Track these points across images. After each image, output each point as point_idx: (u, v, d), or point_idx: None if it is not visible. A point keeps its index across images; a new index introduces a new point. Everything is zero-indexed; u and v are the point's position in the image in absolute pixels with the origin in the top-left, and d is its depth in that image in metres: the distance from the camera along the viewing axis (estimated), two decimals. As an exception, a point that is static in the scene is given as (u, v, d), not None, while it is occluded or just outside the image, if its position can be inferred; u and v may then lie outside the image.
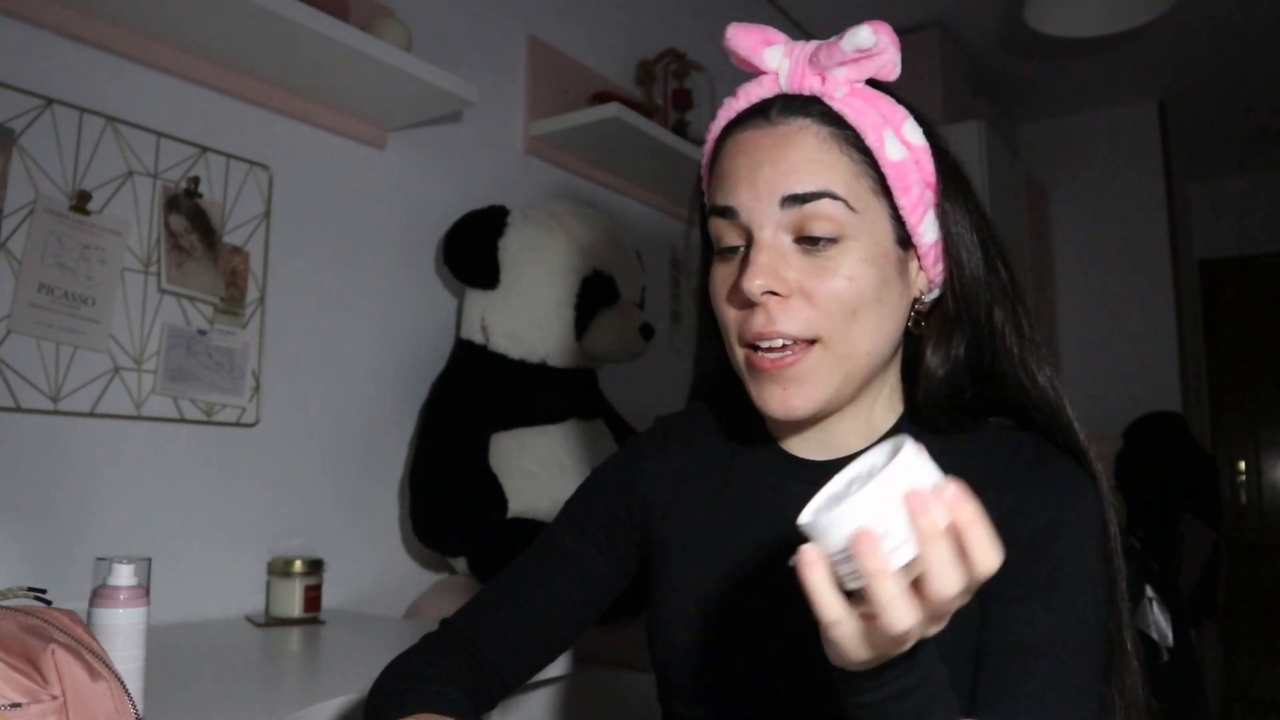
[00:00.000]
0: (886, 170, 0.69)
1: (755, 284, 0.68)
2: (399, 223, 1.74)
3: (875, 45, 0.67)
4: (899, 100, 0.72)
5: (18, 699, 0.63)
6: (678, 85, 2.31)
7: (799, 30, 3.06)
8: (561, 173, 2.09)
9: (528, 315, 1.65)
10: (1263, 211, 4.51)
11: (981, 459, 0.73)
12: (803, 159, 0.68)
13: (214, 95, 1.46)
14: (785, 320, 0.68)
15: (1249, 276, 4.54)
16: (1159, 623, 1.30)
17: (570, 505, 0.87)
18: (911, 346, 0.76)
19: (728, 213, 0.71)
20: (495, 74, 1.94)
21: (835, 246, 0.68)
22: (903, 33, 2.76)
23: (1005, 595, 0.68)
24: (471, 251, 1.65)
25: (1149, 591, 1.31)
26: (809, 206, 0.67)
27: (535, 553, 0.84)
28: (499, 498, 1.57)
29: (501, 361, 1.67)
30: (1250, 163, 4.39)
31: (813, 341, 0.69)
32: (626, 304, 1.72)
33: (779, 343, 0.69)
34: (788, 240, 0.69)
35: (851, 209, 0.68)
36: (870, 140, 0.69)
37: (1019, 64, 3.38)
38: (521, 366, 1.68)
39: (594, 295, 1.68)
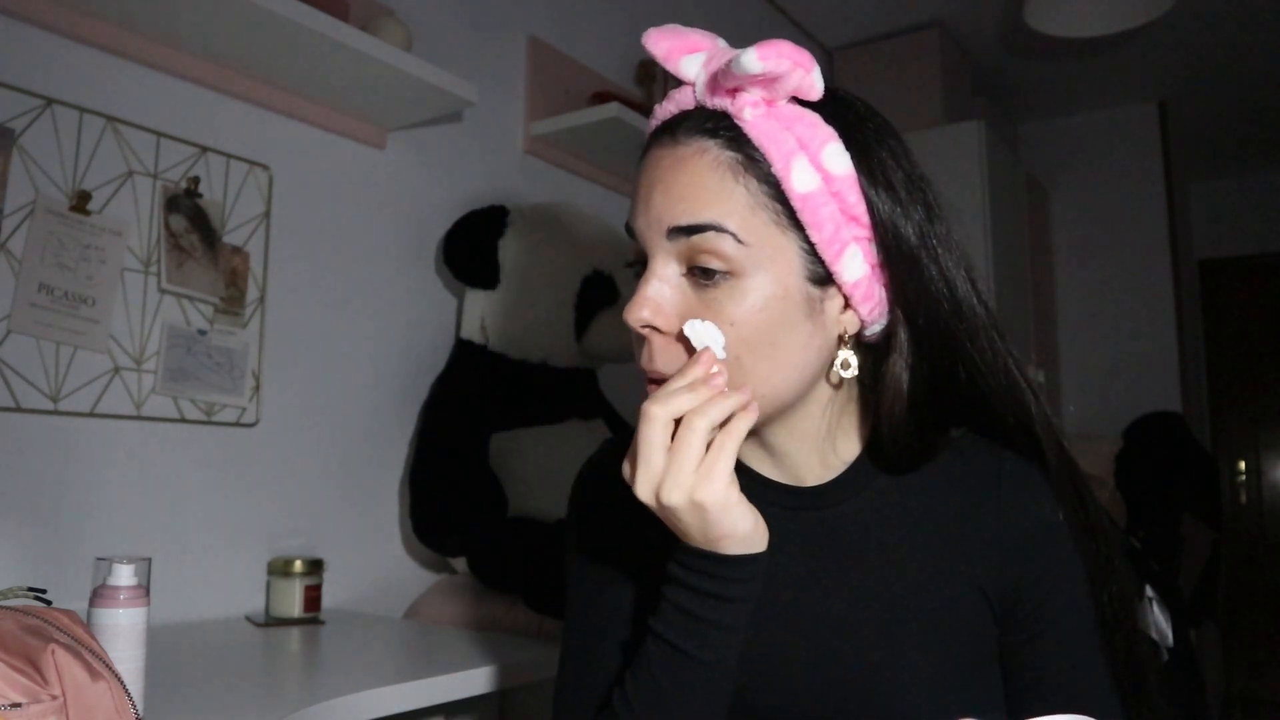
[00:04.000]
0: (794, 203, 0.63)
1: (633, 316, 0.65)
2: (399, 223, 1.74)
3: (765, 71, 0.59)
4: (838, 114, 0.65)
5: (18, 699, 0.63)
6: (678, 85, 2.30)
7: (799, 31, 3.07)
8: (561, 173, 2.09)
9: (528, 315, 1.65)
10: (1263, 211, 4.51)
11: (963, 482, 0.72)
12: (691, 186, 0.63)
13: (214, 95, 1.46)
14: (663, 362, 0.65)
15: (1249, 276, 4.54)
16: (1159, 623, 1.30)
17: (579, 573, 0.80)
18: (869, 378, 0.71)
19: (630, 234, 0.68)
20: (495, 74, 1.94)
21: (727, 281, 0.63)
22: (903, 33, 2.73)
23: (1015, 635, 0.70)
24: (471, 251, 1.65)
25: (1149, 591, 1.31)
26: (695, 239, 0.63)
27: (593, 623, 0.77)
28: (499, 498, 1.57)
29: (501, 361, 1.67)
30: (1250, 163, 4.39)
31: None
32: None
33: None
34: (677, 271, 0.65)
35: (741, 243, 0.62)
36: (776, 168, 0.62)
37: (1019, 64, 3.38)
38: (521, 366, 1.68)
39: (594, 295, 1.68)
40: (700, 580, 0.62)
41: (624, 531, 0.77)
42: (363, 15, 1.57)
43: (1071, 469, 0.71)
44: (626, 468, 0.62)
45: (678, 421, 0.60)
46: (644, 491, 0.60)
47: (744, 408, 0.61)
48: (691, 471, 0.59)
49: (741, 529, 0.60)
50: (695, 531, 0.61)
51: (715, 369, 0.62)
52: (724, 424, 0.61)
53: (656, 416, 0.60)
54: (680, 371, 0.62)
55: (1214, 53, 3.27)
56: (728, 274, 0.63)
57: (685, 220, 0.63)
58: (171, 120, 1.40)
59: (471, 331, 1.68)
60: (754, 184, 0.63)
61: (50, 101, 1.27)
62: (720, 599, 0.62)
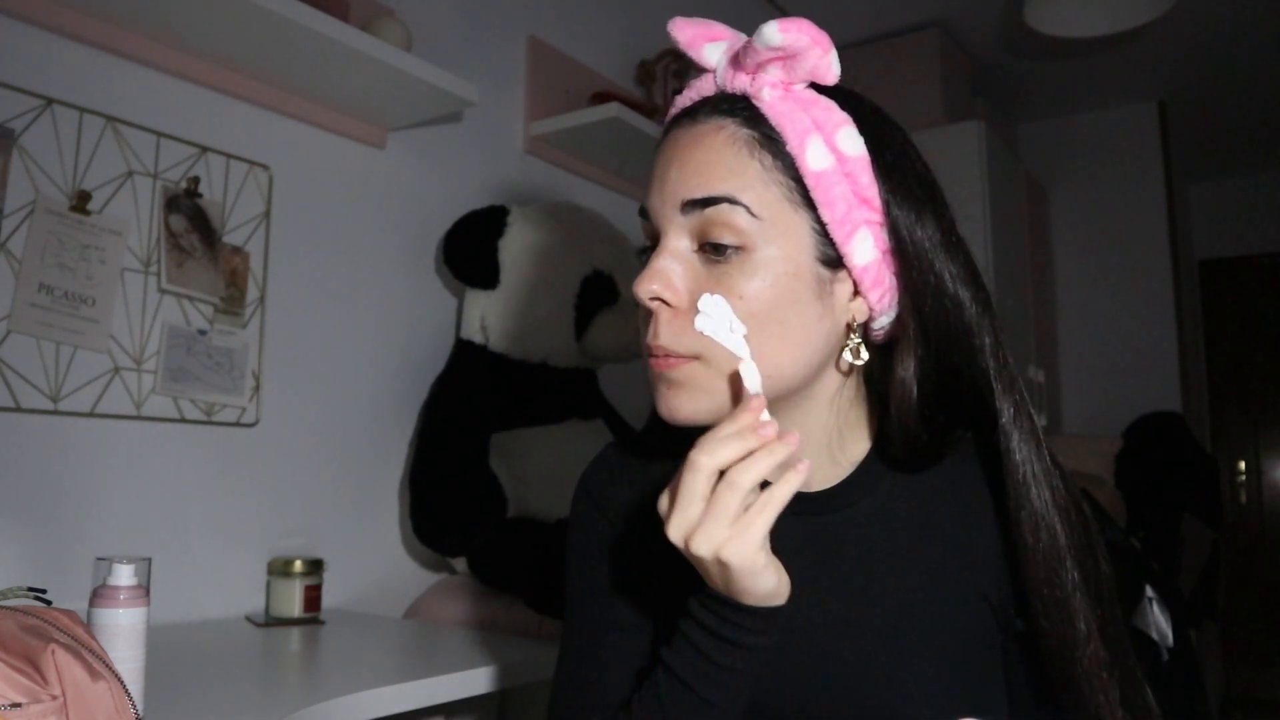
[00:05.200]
0: (808, 180, 0.63)
1: (641, 288, 0.65)
2: (399, 223, 1.74)
3: (785, 44, 0.61)
4: (851, 104, 0.66)
5: (18, 699, 0.63)
6: (678, 85, 2.31)
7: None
8: (561, 173, 2.09)
9: (528, 315, 1.65)
10: (1263, 211, 4.51)
11: (969, 487, 0.72)
12: (707, 162, 0.64)
13: (214, 95, 1.46)
14: (669, 336, 0.65)
15: (1249, 276, 4.54)
16: (1159, 623, 1.30)
17: (580, 578, 0.79)
18: (878, 372, 0.71)
19: (643, 214, 0.69)
20: (495, 74, 1.94)
21: (738, 257, 0.63)
22: (903, 33, 2.73)
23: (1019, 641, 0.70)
24: (471, 251, 1.65)
25: (1149, 591, 1.31)
26: (709, 212, 0.63)
27: (592, 628, 0.76)
28: (499, 498, 1.57)
29: (501, 361, 1.67)
30: (1250, 163, 4.39)
31: (697, 356, 0.65)
32: (626, 304, 1.72)
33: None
34: (689, 246, 0.65)
35: (755, 216, 0.63)
36: (791, 146, 0.63)
37: (1019, 64, 3.38)
38: (521, 366, 1.68)
39: (594, 295, 1.68)
40: (717, 624, 0.61)
41: (625, 537, 0.77)
42: (363, 15, 1.57)
43: (1023, 492, 0.67)
44: (664, 503, 0.61)
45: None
46: (675, 535, 0.59)
47: (794, 469, 0.59)
48: (726, 527, 0.57)
49: (764, 589, 0.59)
50: (718, 583, 0.60)
51: (766, 417, 0.59)
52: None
53: (703, 467, 0.58)
54: (730, 417, 0.60)
55: (1214, 53, 3.27)
56: (739, 249, 0.63)
57: (700, 193, 0.64)
58: (171, 120, 1.40)
59: (472, 331, 1.68)
60: (769, 160, 0.64)
61: (50, 101, 1.27)
62: (735, 645, 0.61)
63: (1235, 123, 3.92)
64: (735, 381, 0.64)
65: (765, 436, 0.59)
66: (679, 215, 0.65)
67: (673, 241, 0.66)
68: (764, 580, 0.59)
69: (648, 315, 0.67)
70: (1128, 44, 3.13)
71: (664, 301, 0.65)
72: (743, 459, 0.58)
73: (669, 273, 0.65)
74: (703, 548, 0.58)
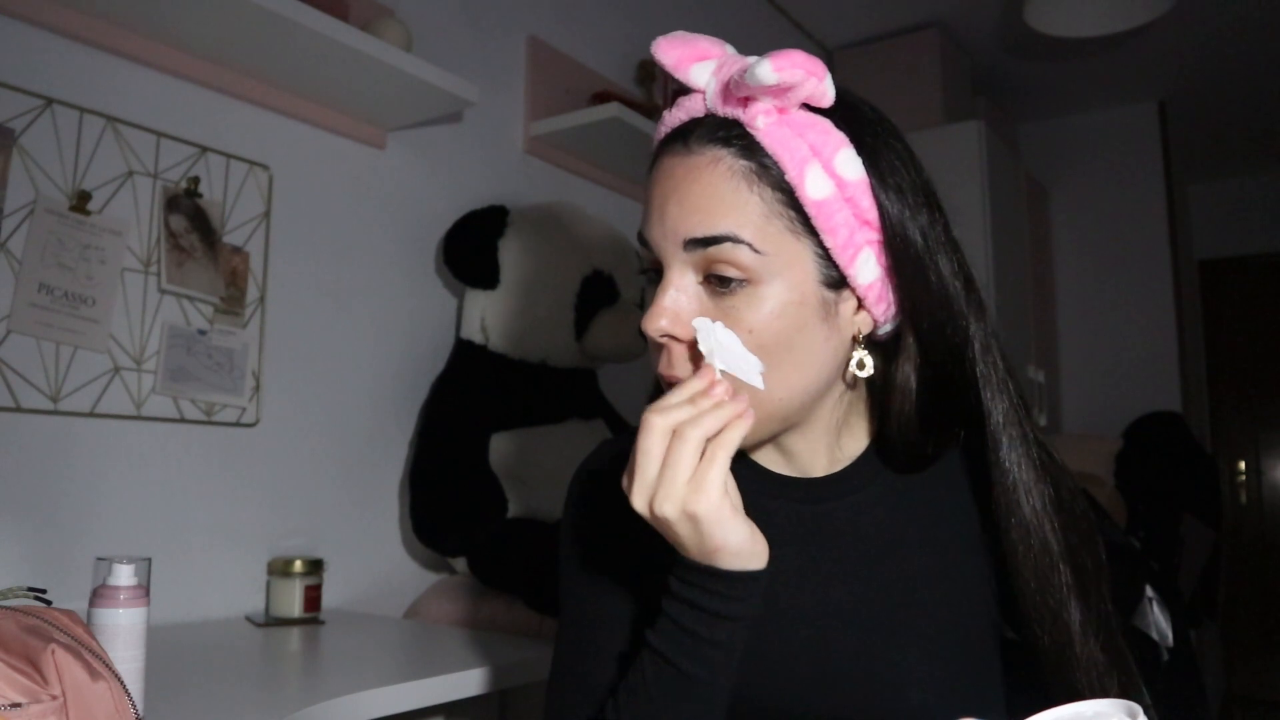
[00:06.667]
0: (808, 209, 0.63)
1: (651, 326, 0.65)
2: (399, 223, 1.74)
3: (780, 81, 0.59)
4: (847, 118, 0.65)
5: (18, 699, 0.63)
6: (678, 85, 2.30)
7: (799, 31, 3.06)
8: (561, 173, 2.09)
9: (528, 315, 1.65)
10: (1263, 211, 4.51)
11: (970, 479, 0.73)
12: (706, 198, 0.63)
13: (214, 95, 1.46)
14: (682, 369, 0.66)
15: (1249, 276, 4.54)
16: (1159, 623, 1.30)
17: (574, 574, 0.79)
18: (879, 376, 0.72)
19: (644, 243, 0.69)
20: (495, 74, 1.94)
21: (744, 289, 0.63)
22: (903, 33, 2.72)
23: (1019, 631, 0.70)
24: (471, 251, 1.65)
25: (1149, 591, 1.31)
26: (711, 250, 0.63)
27: (586, 631, 0.76)
28: (499, 498, 1.57)
29: (501, 361, 1.67)
30: (1250, 163, 4.38)
31: None
32: (626, 304, 1.72)
33: None
34: (694, 280, 0.65)
35: (757, 252, 0.63)
36: (790, 175, 0.63)
37: (1019, 64, 3.38)
38: (521, 366, 1.68)
39: (594, 295, 1.68)
40: (697, 595, 0.61)
41: (619, 537, 0.76)
42: (363, 15, 1.57)
43: (1012, 500, 0.68)
44: (626, 479, 0.62)
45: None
46: (638, 503, 0.60)
47: (739, 415, 0.60)
48: (684, 483, 0.58)
49: (735, 541, 0.59)
50: (690, 544, 0.60)
51: (719, 377, 0.61)
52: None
53: (655, 426, 0.59)
54: (681, 384, 0.62)
55: (1214, 53, 3.27)
56: (745, 282, 0.63)
57: (701, 232, 0.63)
58: (171, 120, 1.40)
59: (471, 331, 1.68)
60: (768, 192, 0.63)
61: (50, 101, 1.27)
62: (717, 616, 0.61)
63: (1235, 123, 3.91)
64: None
65: (715, 396, 0.60)
66: (681, 251, 0.65)
67: (677, 277, 0.66)
68: (734, 531, 0.59)
69: (660, 346, 0.68)
70: (1128, 44, 3.13)
71: (674, 337, 0.66)
72: (694, 418, 0.60)
73: (676, 308, 0.65)
74: (666, 507, 0.58)
